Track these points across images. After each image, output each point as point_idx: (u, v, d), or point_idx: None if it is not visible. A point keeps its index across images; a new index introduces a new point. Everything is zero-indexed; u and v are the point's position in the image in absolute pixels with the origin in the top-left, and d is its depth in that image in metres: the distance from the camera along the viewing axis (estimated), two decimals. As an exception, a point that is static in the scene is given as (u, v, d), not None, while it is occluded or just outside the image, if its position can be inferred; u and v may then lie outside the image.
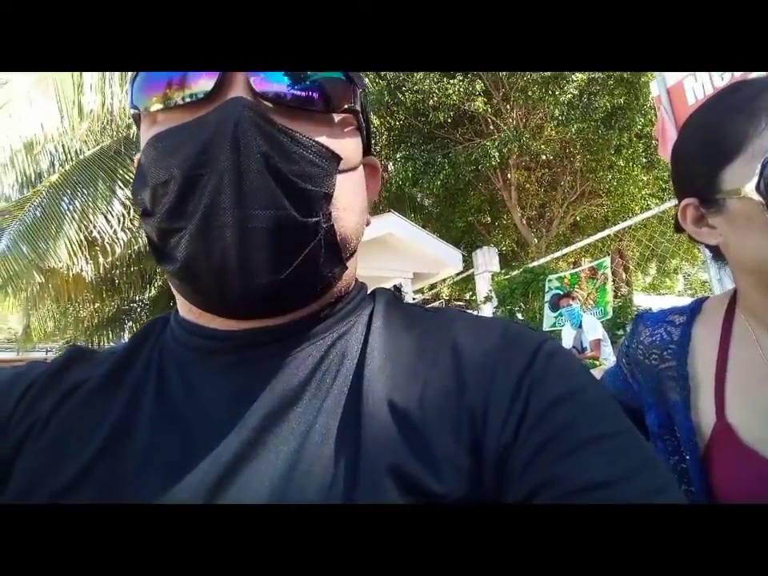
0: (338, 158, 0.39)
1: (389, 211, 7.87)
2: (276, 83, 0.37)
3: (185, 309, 0.43)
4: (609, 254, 7.46)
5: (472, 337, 0.40)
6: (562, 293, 6.31)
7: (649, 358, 0.72)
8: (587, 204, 10.23)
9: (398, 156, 10.11)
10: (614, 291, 6.36)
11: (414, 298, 8.54)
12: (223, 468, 0.34)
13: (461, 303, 12.15)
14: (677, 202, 0.68)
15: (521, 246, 11.39)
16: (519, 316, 7.17)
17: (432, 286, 10.45)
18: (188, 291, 0.40)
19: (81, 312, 9.88)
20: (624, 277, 7.57)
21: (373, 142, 0.50)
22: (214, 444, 0.35)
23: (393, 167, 10.30)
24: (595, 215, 10.56)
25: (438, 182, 9.10)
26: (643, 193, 9.70)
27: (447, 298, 11.54)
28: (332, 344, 0.41)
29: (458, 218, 10.56)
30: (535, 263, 7.58)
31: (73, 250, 7.15)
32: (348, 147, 0.41)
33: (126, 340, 0.46)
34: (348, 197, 0.40)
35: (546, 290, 6.72)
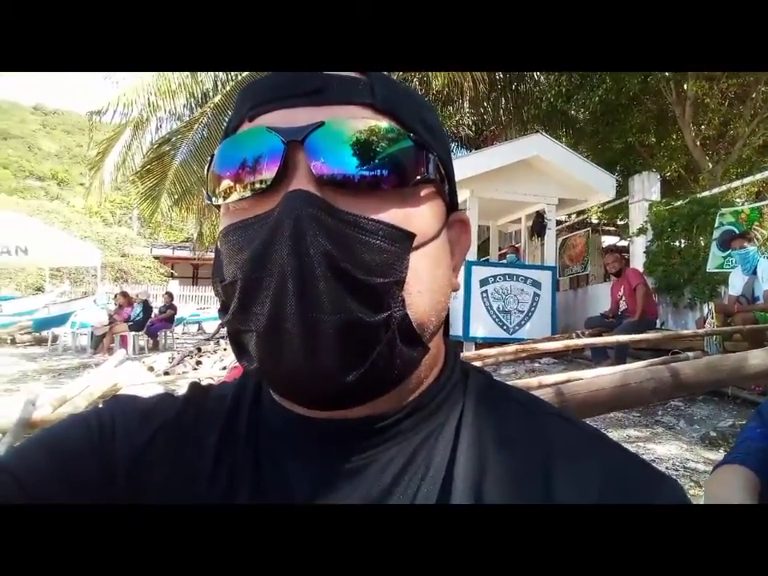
0: (411, 237, 0.36)
1: (536, 131, 7.29)
2: (338, 166, 0.34)
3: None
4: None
5: (569, 470, 0.37)
6: (736, 230, 5.48)
7: None
8: (785, 121, 8.48)
9: (552, 67, 9.12)
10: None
11: (558, 224, 8.04)
12: None
13: (611, 229, 11.19)
14: None
15: (690, 171, 9.94)
16: (679, 252, 6.44)
17: (579, 213, 9.72)
18: (267, 384, 0.41)
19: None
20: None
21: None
22: None
23: (545, 80, 9.39)
24: (794, 135, 8.76)
25: (597, 98, 8.12)
26: None
27: (596, 223, 10.68)
28: (417, 449, 0.39)
29: (616, 138, 9.36)
30: (706, 193, 6.63)
31: (234, 168, 7.80)
32: (424, 218, 0.38)
33: (230, 384, 0.48)
34: (425, 275, 0.37)
35: (717, 225, 5.87)
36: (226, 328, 0.39)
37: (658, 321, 5.92)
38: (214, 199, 0.39)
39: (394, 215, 0.35)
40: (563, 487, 0.36)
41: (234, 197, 0.37)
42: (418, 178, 0.37)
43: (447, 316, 0.47)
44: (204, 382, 0.49)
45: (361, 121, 0.35)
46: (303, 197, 0.33)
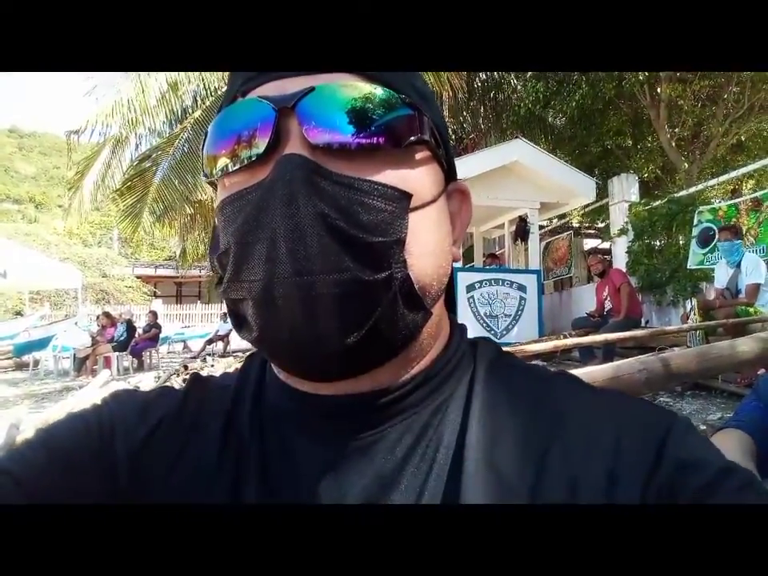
0: (408, 196, 0.35)
1: (516, 137, 7.38)
2: (331, 130, 0.34)
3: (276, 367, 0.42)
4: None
5: (582, 428, 0.37)
6: (714, 227, 5.58)
7: None
8: (756, 120, 8.70)
9: (528, 74, 9.29)
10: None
11: (540, 228, 8.13)
12: None
13: (591, 231, 11.35)
14: None
15: (667, 171, 10.14)
16: (659, 251, 6.55)
17: (561, 216, 9.83)
18: (268, 357, 0.40)
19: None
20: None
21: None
22: None
23: (522, 87, 9.54)
24: (765, 133, 9.00)
25: (574, 103, 8.27)
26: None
27: (577, 226, 10.82)
28: (427, 422, 0.38)
29: (594, 141, 9.57)
30: (683, 192, 6.75)
31: (216, 183, 7.77)
32: (421, 181, 0.37)
33: (232, 374, 0.47)
34: (424, 237, 0.36)
35: (695, 223, 5.98)
36: (224, 302, 0.38)
37: (642, 319, 5.99)
38: (209, 175, 0.38)
39: (390, 177, 0.35)
40: (577, 445, 0.36)
41: (228, 168, 0.36)
42: (412, 139, 0.37)
43: (452, 291, 0.47)
44: (205, 373, 0.48)
45: (352, 85, 0.35)
46: (295, 160, 0.33)
